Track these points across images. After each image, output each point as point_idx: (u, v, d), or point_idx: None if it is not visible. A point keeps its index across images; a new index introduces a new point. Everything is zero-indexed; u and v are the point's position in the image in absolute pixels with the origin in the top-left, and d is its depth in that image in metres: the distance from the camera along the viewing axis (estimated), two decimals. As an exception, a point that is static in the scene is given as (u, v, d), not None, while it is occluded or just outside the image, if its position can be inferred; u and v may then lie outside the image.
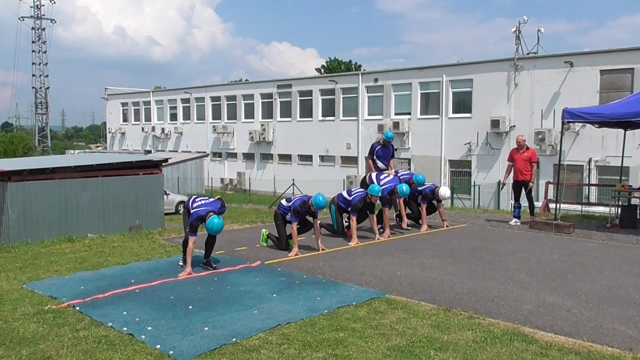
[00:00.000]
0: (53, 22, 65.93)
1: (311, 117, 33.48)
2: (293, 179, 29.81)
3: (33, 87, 64.25)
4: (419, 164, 27.97)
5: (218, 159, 39.52)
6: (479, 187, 24.55)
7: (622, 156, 13.03)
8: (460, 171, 27.09)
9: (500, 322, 5.43)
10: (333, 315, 5.62)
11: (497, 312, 5.77)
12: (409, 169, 28.34)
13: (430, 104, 28.32)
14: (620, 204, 12.12)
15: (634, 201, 12.37)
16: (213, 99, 39.69)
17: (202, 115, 40.48)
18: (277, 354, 4.59)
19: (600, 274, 7.45)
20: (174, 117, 43.10)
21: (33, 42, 63.80)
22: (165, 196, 17.90)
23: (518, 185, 12.15)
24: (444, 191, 11.09)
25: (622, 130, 12.81)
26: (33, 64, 63.62)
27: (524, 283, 6.95)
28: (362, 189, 9.99)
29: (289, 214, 8.57)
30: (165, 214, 15.32)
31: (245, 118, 37.39)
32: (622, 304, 6.10)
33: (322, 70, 62.09)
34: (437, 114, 27.79)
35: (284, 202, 8.90)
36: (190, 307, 5.83)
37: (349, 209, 9.70)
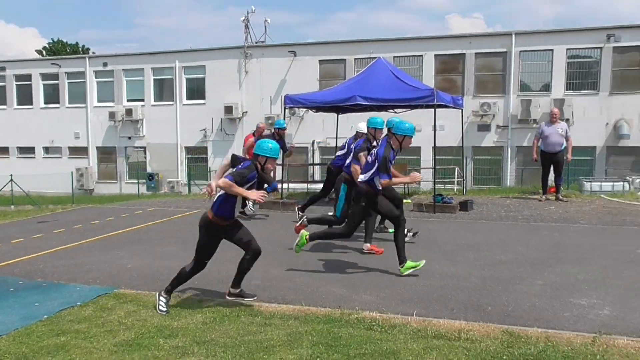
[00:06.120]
0: None
1: (31, 104, 30.01)
2: (11, 175, 26.48)
3: None
4: (155, 152, 27.40)
5: None
6: (216, 173, 25.04)
7: (336, 137, 14.62)
8: (197, 157, 27.32)
9: (229, 301, 5.66)
10: (54, 319, 5.20)
11: (226, 291, 5.99)
12: (145, 157, 27.63)
13: (165, 90, 27.86)
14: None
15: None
16: None
17: None
18: (-18, 373, 4.08)
19: (316, 245, 8.18)
20: None
21: None
22: None
23: None
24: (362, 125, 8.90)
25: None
26: None
27: (253, 260, 7.33)
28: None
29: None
30: None
31: (-54, 106, 31.85)
32: (335, 267, 6.87)
33: (44, 52, 56.13)
34: (171, 100, 27.45)
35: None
36: None
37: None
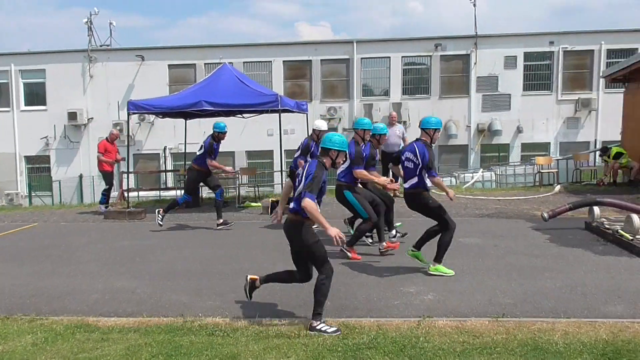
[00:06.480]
0: None
1: None
2: None
3: None
4: (-11, 163, 24.99)
5: None
6: (60, 183, 23.48)
7: (185, 143, 14.45)
8: (39, 167, 25.33)
9: (64, 318, 5.40)
10: None
11: (62, 308, 5.71)
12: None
13: (0, 95, 25.51)
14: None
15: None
16: None
17: None
18: None
19: (164, 253, 8.12)
20: None
21: None
22: None
23: (110, 174, 12.46)
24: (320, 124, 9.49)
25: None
26: None
27: (94, 273, 7.04)
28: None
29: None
30: None
31: None
32: (180, 276, 6.82)
33: None
34: (7, 106, 25.20)
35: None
36: None
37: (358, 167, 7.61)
